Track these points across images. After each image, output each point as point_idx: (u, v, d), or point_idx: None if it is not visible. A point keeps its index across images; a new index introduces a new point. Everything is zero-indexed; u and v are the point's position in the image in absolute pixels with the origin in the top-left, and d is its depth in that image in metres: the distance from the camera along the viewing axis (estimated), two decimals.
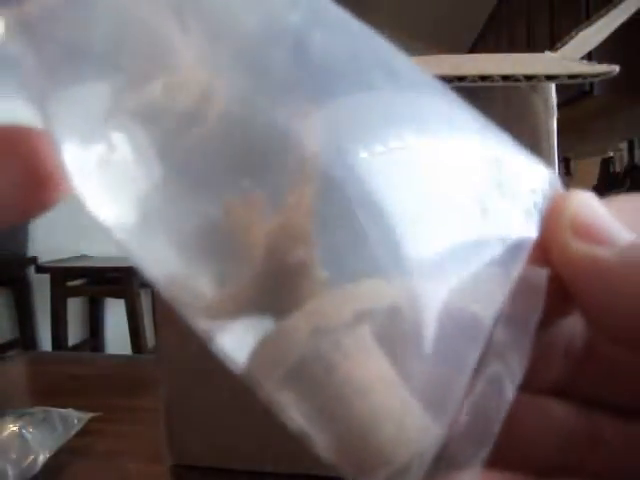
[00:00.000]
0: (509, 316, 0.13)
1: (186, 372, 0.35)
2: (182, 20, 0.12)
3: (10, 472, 0.33)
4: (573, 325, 0.14)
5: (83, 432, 0.40)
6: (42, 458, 0.35)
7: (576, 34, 0.31)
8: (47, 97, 0.11)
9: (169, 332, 0.35)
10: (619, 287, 0.12)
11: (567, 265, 0.13)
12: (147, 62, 0.12)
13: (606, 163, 2.49)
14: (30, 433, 0.36)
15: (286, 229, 0.11)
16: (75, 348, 2.12)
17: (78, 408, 0.41)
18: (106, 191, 0.12)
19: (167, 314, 0.35)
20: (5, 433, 0.35)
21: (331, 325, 0.11)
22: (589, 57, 0.27)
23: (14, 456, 0.34)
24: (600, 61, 0.23)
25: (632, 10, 0.30)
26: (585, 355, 0.15)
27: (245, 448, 0.35)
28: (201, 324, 0.11)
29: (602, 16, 0.31)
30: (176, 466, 0.36)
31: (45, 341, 2.25)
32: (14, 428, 0.36)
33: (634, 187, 2.24)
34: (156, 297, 0.35)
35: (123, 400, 0.45)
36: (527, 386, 0.13)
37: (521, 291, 0.13)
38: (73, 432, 0.39)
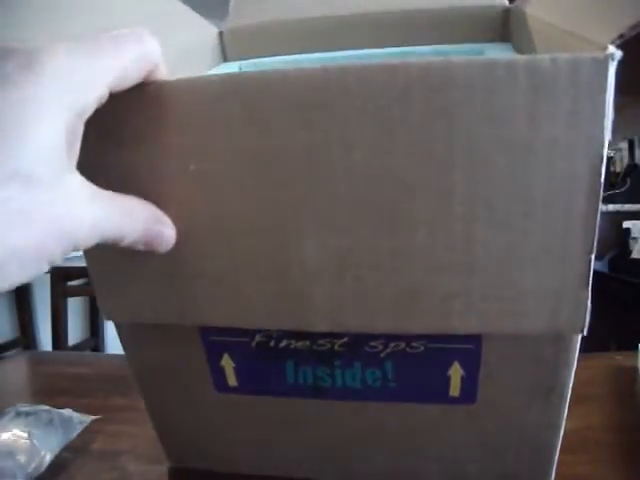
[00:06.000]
0: None
1: (169, 392, 0.34)
2: None
3: (19, 475, 0.33)
4: None
5: (83, 431, 0.40)
6: (47, 459, 0.35)
7: None
8: None
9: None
10: None
11: None
12: None
13: (606, 163, 2.48)
14: (36, 436, 0.36)
15: None
16: (75, 348, 2.11)
17: (78, 408, 0.41)
18: None
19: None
20: (14, 437, 0.35)
21: None
22: None
23: (23, 460, 0.34)
24: None
25: None
26: None
27: (242, 457, 0.35)
28: None
29: None
30: (175, 468, 0.36)
31: (45, 341, 2.25)
32: (22, 433, 0.36)
33: (634, 187, 2.24)
34: None
35: (123, 400, 0.44)
36: None
37: None
38: (75, 434, 0.39)
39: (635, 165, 2.31)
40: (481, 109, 0.21)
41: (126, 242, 0.22)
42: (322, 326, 0.26)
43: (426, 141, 0.21)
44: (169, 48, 0.25)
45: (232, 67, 0.43)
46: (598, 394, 0.40)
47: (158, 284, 0.27)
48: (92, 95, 0.20)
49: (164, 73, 0.23)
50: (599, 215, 0.22)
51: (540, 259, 0.23)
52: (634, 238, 1.88)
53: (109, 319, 0.29)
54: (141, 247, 0.23)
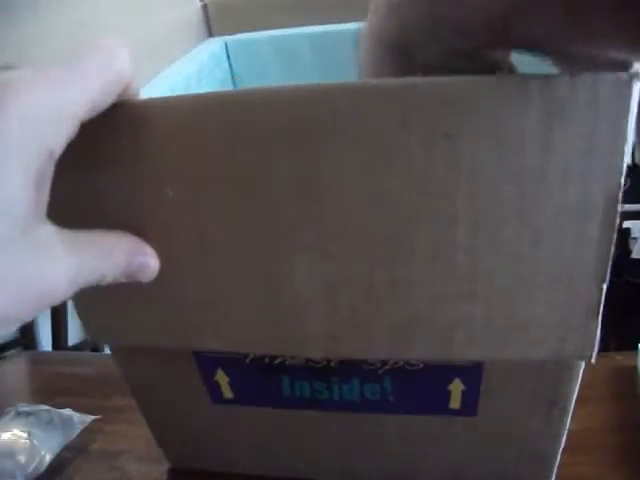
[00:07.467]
0: None
1: (165, 404, 0.33)
2: None
3: (19, 475, 0.33)
4: None
5: (83, 431, 0.40)
6: (47, 459, 0.35)
7: None
8: None
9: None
10: None
11: None
12: None
13: None
14: (36, 436, 0.36)
15: None
16: (75, 348, 2.11)
17: (78, 408, 0.41)
18: None
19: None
20: (14, 437, 0.35)
21: None
22: None
23: (22, 460, 0.34)
24: None
25: None
26: None
27: (241, 462, 0.35)
28: None
29: None
30: (175, 468, 0.36)
31: (45, 341, 2.24)
32: (22, 433, 0.36)
33: (634, 187, 2.23)
34: None
35: (123, 400, 0.44)
36: None
37: None
38: (75, 434, 0.39)
39: (635, 165, 2.30)
40: (487, 133, 0.19)
41: (108, 280, 0.21)
42: (316, 353, 0.25)
43: (426, 167, 0.20)
44: (153, 26, 0.24)
45: (218, 43, 0.42)
46: (598, 395, 0.40)
47: (144, 310, 0.26)
48: (62, 133, 0.18)
49: (136, 89, 0.21)
50: (614, 243, 0.20)
51: (548, 289, 0.21)
52: (634, 238, 1.88)
53: (96, 341, 0.29)
54: (124, 280, 0.22)
